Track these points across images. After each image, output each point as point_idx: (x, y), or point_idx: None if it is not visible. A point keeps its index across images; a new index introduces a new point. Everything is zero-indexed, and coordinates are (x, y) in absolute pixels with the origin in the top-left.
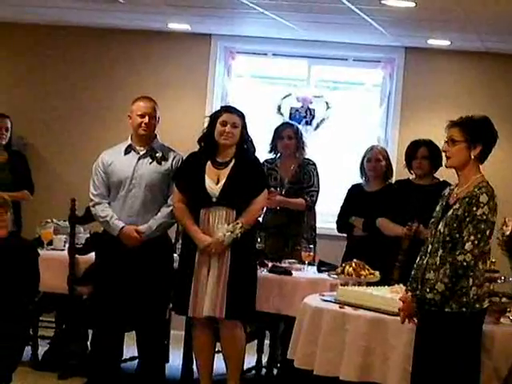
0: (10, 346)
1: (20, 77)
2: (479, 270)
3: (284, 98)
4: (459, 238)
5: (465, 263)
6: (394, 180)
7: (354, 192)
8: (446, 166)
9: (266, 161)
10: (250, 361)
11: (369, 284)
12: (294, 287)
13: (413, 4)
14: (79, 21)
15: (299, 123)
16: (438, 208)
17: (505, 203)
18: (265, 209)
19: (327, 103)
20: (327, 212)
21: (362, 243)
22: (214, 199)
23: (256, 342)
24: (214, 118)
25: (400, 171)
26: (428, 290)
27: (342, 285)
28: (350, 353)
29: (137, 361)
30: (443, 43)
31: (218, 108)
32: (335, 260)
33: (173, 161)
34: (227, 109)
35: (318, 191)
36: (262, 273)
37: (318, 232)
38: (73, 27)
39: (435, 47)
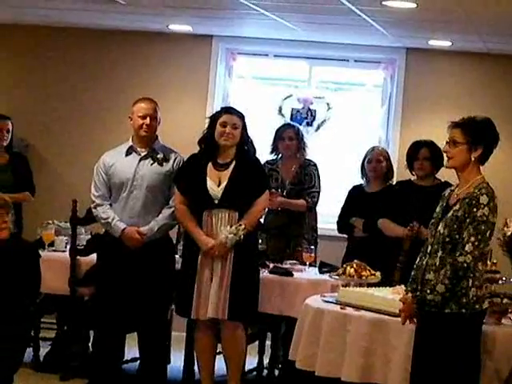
0: (11, 347)
1: (20, 78)
2: (479, 271)
3: (285, 99)
4: (459, 239)
5: (465, 264)
6: (394, 181)
7: (355, 193)
8: (447, 167)
9: (267, 162)
10: (251, 362)
11: (370, 285)
12: (296, 288)
13: (414, 5)
14: (80, 22)
15: (300, 124)
16: (438, 209)
17: (505, 204)
18: (266, 210)
19: (328, 104)
20: (328, 213)
21: (363, 244)
22: (216, 201)
23: (257, 343)
24: (214, 119)
25: (401, 172)
26: (428, 291)
27: (343, 286)
28: (352, 354)
29: (138, 362)
30: (444, 44)
31: (219, 109)
32: (336, 261)
33: (174, 162)
34: (227, 110)
35: (319, 192)
36: (264, 274)
37: (318, 233)
38: (73, 28)
39: (436, 48)
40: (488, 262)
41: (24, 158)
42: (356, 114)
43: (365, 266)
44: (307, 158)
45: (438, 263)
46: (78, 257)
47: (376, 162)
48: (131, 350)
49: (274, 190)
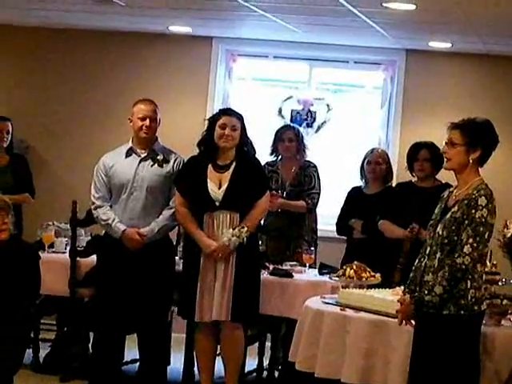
0: (11, 348)
1: (21, 79)
2: (478, 272)
3: (285, 100)
4: (457, 241)
5: (463, 266)
6: (394, 183)
7: (354, 194)
8: (445, 168)
9: (267, 163)
10: (251, 363)
11: (370, 286)
12: (295, 290)
13: (413, 6)
14: (80, 24)
15: (300, 125)
16: (436, 210)
17: (505, 206)
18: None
19: (328, 105)
20: (328, 214)
21: (362, 246)
22: (218, 203)
23: (257, 344)
24: (213, 121)
25: (401, 173)
26: (426, 292)
27: (343, 287)
28: (352, 355)
29: (138, 363)
30: (444, 45)
31: (217, 111)
32: (336, 262)
33: (174, 163)
34: (226, 111)
35: (318, 193)
36: (264, 275)
37: (318, 234)
38: (73, 30)
39: (436, 49)
40: (488, 263)
41: (24, 159)
42: (356, 115)
43: (365, 267)
44: (307, 159)
45: (436, 265)
46: (78, 258)
47: (375, 164)
48: (131, 351)
49: (274, 192)
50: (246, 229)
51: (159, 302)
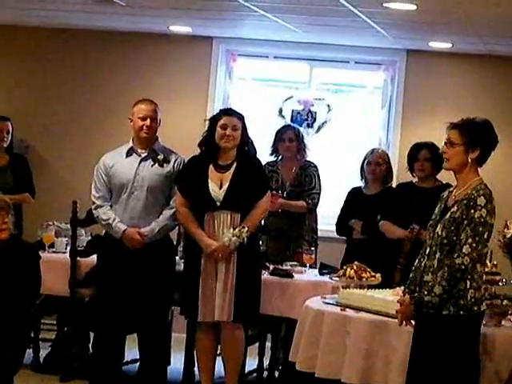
0: (11, 348)
1: (21, 79)
2: (477, 272)
3: (285, 100)
4: (457, 241)
5: (463, 266)
6: (394, 183)
7: (354, 195)
8: (444, 168)
9: (268, 163)
10: (251, 363)
11: (370, 287)
12: (296, 290)
13: (414, 6)
14: (80, 24)
15: (300, 126)
16: (436, 210)
17: (505, 206)
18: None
19: (328, 106)
20: (328, 214)
21: (361, 246)
22: (218, 203)
23: (257, 344)
24: (214, 121)
25: (401, 174)
26: (426, 292)
27: (343, 287)
28: (352, 355)
29: (138, 363)
30: (445, 46)
31: (218, 111)
32: (336, 262)
33: (175, 163)
34: (226, 111)
35: (319, 193)
36: (264, 275)
37: (319, 234)
38: (73, 30)
39: (437, 50)
40: (488, 263)
41: (24, 159)
42: (356, 115)
43: (365, 267)
44: (307, 159)
45: (435, 265)
46: (79, 258)
47: (375, 165)
48: (131, 351)
49: (274, 192)
50: (246, 229)
51: (159, 301)
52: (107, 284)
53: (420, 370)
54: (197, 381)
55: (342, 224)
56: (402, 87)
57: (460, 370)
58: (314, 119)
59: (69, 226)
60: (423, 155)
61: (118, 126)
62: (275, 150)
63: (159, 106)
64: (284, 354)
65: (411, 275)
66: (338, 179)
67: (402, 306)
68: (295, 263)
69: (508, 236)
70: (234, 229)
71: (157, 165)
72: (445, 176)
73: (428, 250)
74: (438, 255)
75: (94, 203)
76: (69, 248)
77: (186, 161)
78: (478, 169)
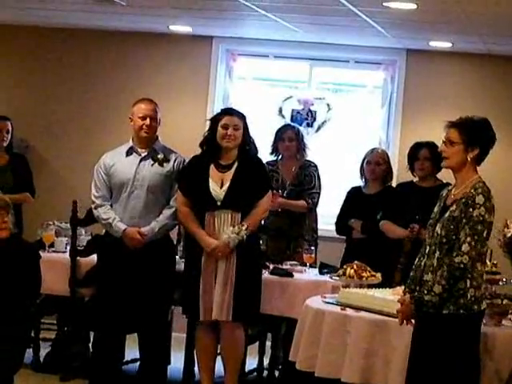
0: (11, 348)
1: (21, 79)
2: (477, 271)
3: (285, 100)
4: (456, 240)
5: (462, 265)
6: (394, 183)
7: (353, 194)
8: (443, 167)
9: (268, 163)
10: (251, 363)
11: (370, 286)
12: (296, 289)
13: (414, 6)
14: (79, 23)
15: (300, 125)
16: (435, 209)
17: (505, 205)
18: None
19: (328, 105)
20: (328, 214)
21: (361, 245)
22: (219, 203)
23: (258, 343)
24: (215, 121)
25: (401, 173)
26: (426, 291)
27: (343, 287)
28: (352, 355)
29: (138, 363)
30: (445, 45)
31: (219, 111)
32: (336, 262)
33: (174, 162)
34: (228, 111)
35: (319, 193)
36: (264, 275)
37: (319, 234)
38: (73, 29)
39: (437, 49)
40: (488, 262)
41: (24, 158)
42: (356, 115)
43: (365, 267)
44: (307, 158)
45: (435, 264)
46: (79, 258)
47: (375, 165)
48: (131, 350)
49: (274, 191)
50: (245, 226)
51: (159, 301)
52: (107, 283)
53: (420, 370)
54: (197, 380)
55: (342, 223)
56: (401, 86)
57: (460, 369)
58: (314, 118)
59: (69, 225)
60: (423, 154)
61: (118, 126)
62: (275, 150)
63: (159, 105)
64: (284, 354)
65: (411, 274)
66: (337, 178)
67: (402, 305)
68: (295, 263)
69: (508, 235)
70: (233, 226)
71: (157, 164)
72: (445, 175)
73: (428, 249)
74: (437, 254)
75: (94, 202)
76: (69, 247)
77: (186, 160)
78: (477, 167)
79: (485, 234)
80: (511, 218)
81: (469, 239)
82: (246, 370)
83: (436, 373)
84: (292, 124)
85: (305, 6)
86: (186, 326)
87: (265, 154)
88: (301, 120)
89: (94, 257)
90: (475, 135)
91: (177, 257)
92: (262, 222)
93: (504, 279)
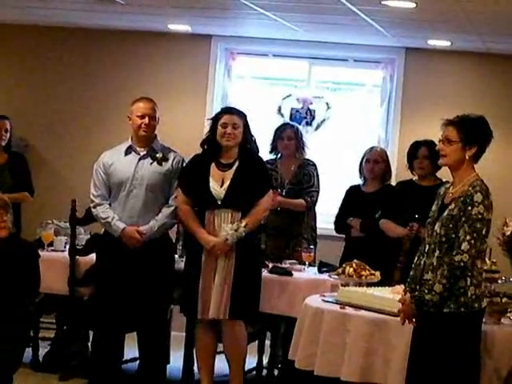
0: (10, 347)
1: (21, 78)
2: (477, 269)
3: (284, 98)
4: (455, 238)
5: (462, 263)
6: (393, 181)
7: (352, 193)
8: (441, 164)
9: (267, 161)
10: (250, 361)
11: (369, 285)
12: (295, 288)
13: (413, 5)
14: (79, 22)
15: (299, 124)
16: (434, 208)
17: (504, 204)
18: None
19: (327, 104)
20: (327, 212)
21: (360, 244)
22: (219, 201)
23: (257, 342)
24: (215, 120)
25: (401, 172)
26: (426, 291)
27: (342, 285)
28: (351, 353)
29: (137, 362)
30: (443, 44)
31: (219, 109)
32: (335, 260)
33: (173, 161)
34: (227, 110)
35: (318, 191)
36: (263, 273)
37: (318, 232)
38: (73, 29)
39: (435, 48)
40: (488, 261)
41: (23, 157)
42: (355, 113)
43: (364, 265)
44: (306, 157)
45: (435, 263)
46: (78, 257)
47: (373, 163)
48: (131, 349)
49: (273, 190)
50: (244, 223)
51: (159, 300)
52: (106, 282)
53: (420, 368)
54: (196, 379)
55: (341, 222)
56: (400, 85)
57: (461, 368)
58: (313, 117)
59: (68, 224)
60: (422, 153)
61: (118, 125)
62: (274, 148)
63: (158, 104)
64: (283, 352)
65: (411, 273)
66: (336, 177)
67: (403, 305)
68: (294, 261)
69: (507, 234)
70: (232, 223)
71: (156, 163)
72: (445, 174)
73: (427, 248)
74: (437, 253)
75: (92, 201)
76: (68, 246)
77: (184, 159)
78: (474, 165)
79: (484, 232)
80: (510, 216)
81: (468, 237)
82: (246, 368)
83: (436, 371)
84: (291, 123)
85: (304, 5)
86: (185, 324)
87: (264, 153)
88: (300, 119)
89: (93, 256)
90: (473, 133)
91: (176, 256)
92: (262, 221)
93: (503, 277)
